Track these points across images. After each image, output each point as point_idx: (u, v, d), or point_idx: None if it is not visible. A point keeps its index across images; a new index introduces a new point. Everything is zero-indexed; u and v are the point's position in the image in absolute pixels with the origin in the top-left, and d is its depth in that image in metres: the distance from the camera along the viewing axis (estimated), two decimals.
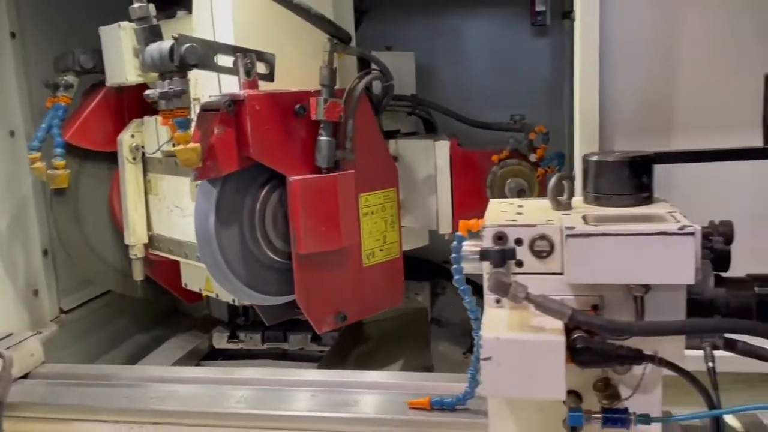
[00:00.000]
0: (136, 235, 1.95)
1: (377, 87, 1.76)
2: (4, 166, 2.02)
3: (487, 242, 0.94)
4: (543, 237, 0.93)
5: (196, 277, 1.94)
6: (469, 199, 1.93)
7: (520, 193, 1.83)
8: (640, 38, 1.46)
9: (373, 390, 1.41)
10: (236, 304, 1.87)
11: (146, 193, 1.95)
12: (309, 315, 1.63)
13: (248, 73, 1.50)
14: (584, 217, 0.93)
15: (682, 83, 1.46)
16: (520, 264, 0.94)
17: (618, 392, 0.93)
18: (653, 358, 0.87)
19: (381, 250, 1.76)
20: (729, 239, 0.94)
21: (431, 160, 1.95)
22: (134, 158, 1.92)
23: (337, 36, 1.60)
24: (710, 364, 0.91)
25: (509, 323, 0.90)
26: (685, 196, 1.39)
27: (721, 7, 1.43)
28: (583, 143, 1.46)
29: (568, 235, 0.87)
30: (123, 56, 1.79)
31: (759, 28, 1.42)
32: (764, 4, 1.41)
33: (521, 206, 1.07)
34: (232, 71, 1.50)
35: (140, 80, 1.83)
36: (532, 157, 1.89)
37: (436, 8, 2.56)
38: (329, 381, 1.50)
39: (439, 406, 1.22)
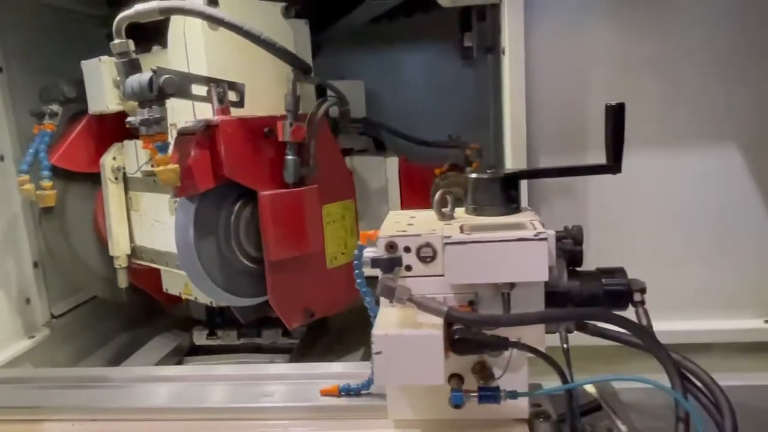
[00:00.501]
0: (119, 247, 1.82)
1: (335, 111, 1.70)
2: None
3: (380, 250, 0.96)
4: (427, 245, 0.94)
5: (175, 282, 1.84)
6: (416, 207, 1.88)
7: (458, 202, 1.79)
8: (559, 69, 1.46)
9: (293, 380, 1.30)
10: (214, 305, 1.77)
11: (128, 209, 1.83)
12: (280, 313, 1.56)
13: (221, 100, 1.41)
14: (461, 227, 0.96)
15: (594, 107, 1.46)
16: (409, 268, 0.96)
17: (492, 373, 0.97)
18: (517, 344, 0.91)
19: (342, 253, 1.70)
20: (579, 241, 1.00)
21: (382, 173, 1.90)
22: (116, 178, 1.80)
23: (299, 67, 1.53)
24: (565, 345, 0.95)
25: (398, 321, 0.93)
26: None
27: (617, 41, 1.44)
28: (514, 159, 1.44)
29: (446, 243, 0.91)
30: (104, 87, 1.67)
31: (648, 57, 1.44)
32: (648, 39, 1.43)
33: (413, 217, 1.09)
34: (206, 99, 1.41)
35: (120, 108, 1.71)
36: (468, 170, 1.86)
37: (380, 42, 2.52)
38: (246, 375, 1.36)
39: (347, 391, 1.17)
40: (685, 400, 0.87)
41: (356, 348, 1.85)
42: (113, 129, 1.83)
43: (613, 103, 1.03)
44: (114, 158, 1.79)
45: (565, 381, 0.92)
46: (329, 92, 1.70)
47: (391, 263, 0.93)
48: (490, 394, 0.94)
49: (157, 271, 1.86)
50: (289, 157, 1.50)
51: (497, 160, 1.95)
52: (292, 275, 1.56)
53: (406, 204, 1.89)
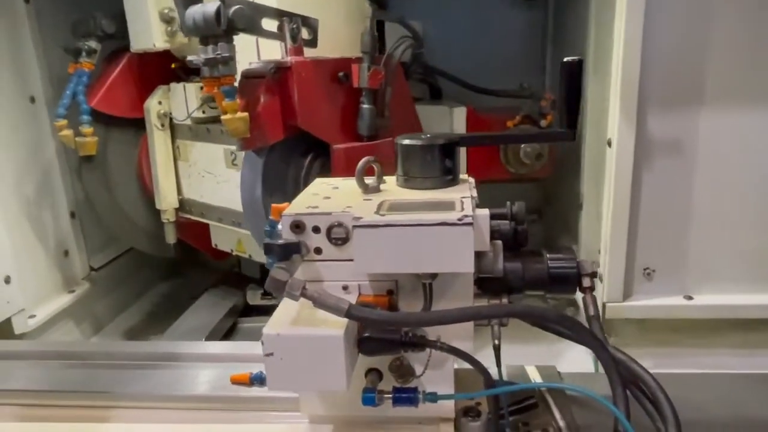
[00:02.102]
0: (167, 201, 1.62)
1: (407, 54, 1.47)
2: (28, 132, 1.64)
3: (285, 230, 0.78)
4: (339, 225, 0.77)
5: (227, 238, 1.65)
6: (483, 163, 1.68)
7: (538, 157, 1.59)
8: (675, 12, 1.22)
9: (217, 363, 1.06)
10: None
11: (175, 159, 1.62)
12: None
13: (294, 38, 1.18)
14: (380, 204, 0.78)
15: (714, 58, 1.22)
16: (319, 251, 0.78)
17: (412, 370, 0.81)
18: (435, 344, 0.76)
19: None
20: (520, 220, 0.86)
21: (447, 125, 1.68)
22: (162, 125, 1.58)
23: (377, 2, 1.29)
24: (496, 341, 0.80)
25: (297, 316, 0.75)
26: None
27: None
28: (624, 117, 1.23)
29: (355, 226, 0.73)
30: (150, 21, 1.43)
31: None
32: None
33: (336, 188, 0.90)
34: (277, 36, 1.18)
35: (166, 46, 1.48)
36: (543, 123, 1.65)
37: None
38: (166, 353, 1.11)
39: (259, 380, 0.96)
40: (625, 416, 0.72)
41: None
42: (157, 70, 1.60)
43: (571, 58, 0.84)
44: (159, 103, 1.57)
45: (491, 382, 0.78)
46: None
47: (285, 250, 0.75)
48: (405, 396, 0.79)
49: (204, 225, 1.67)
50: (365, 106, 1.28)
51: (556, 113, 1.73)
52: None
53: (472, 161, 1.67)
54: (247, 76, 1.21)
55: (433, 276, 0.76)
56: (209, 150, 1.50)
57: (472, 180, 0.89)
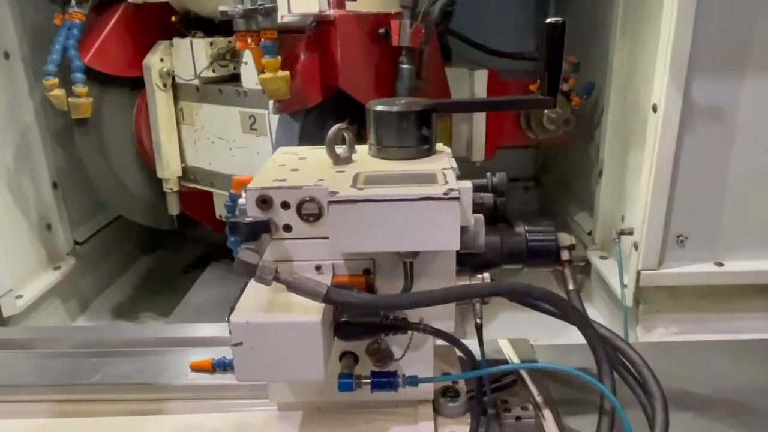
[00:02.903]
0: (170, 169, 1.48)
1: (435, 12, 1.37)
2: (3, 93, 1.46)
3: (250, 206, 0.70)
4: (311, 200, 0.70)
5: None
6: (503, 128, 1.62)
7: (567, 122, 1.54)
8: None
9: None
10: None
11: (177, 123, 1.48)
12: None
13: None
14: (356, 177, 0.72)
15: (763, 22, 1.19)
16: (288, 228, 0.70)
17: (390, 353, 0.76)
18: (418, 326, 0.72)
19: None
20: (501, 191, 0.82)
21: (467, 89, 1.60)
22: (164, 85, 1.42)
23: None
24: (478, 320, 0.75)
25: (269, 301, 0.68)
26: None
27: None
28: (672, 82, 1.19)
29: (330, 202, 0.65)
30: None
31: None
32: None
33: (303, 159, 0.82)
34: None
35: None
36: (564, 87, 1.59)
37: None
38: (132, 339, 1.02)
39: (222, 367, 0.88)
40: (612, 393, 0.70)
41: None
42: (156, 23, 1.44)
43: (553, 19, 0.77)
44: (161, 60, 1.41)
45: (474, 362, 0.75)
46: None
47: (253, 229, 0.68)
48: (385, 381, 0.74)
49: (207, 194, 1.54)
50: (405, 66, 1.18)
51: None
52: None
53: (491, 125, 1.62)
54: (282, 30, 1.09)
55: (415, 254, 0.70)
56: (221, 113, 1.37)
57: (448, 150, 0.84)
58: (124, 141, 1.51)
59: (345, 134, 0.78)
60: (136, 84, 1.45)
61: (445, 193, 0.64)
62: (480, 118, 1.62)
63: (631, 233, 1.37)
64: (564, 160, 2.08)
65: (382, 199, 0.64)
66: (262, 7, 0.96)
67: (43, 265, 1.63)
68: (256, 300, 0.67)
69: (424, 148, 0.79)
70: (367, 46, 1.13)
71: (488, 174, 0.81)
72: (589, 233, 1.74)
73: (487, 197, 0.79)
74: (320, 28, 1.06)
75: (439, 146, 0.83)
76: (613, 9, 1.51)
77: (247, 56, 1.19)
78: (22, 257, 1.53)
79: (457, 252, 0.72)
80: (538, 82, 1.56)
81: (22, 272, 1.52)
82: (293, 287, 0.64)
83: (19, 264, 1.51)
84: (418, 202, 0.64)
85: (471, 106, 0.98)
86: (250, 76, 1.23)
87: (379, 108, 0.79)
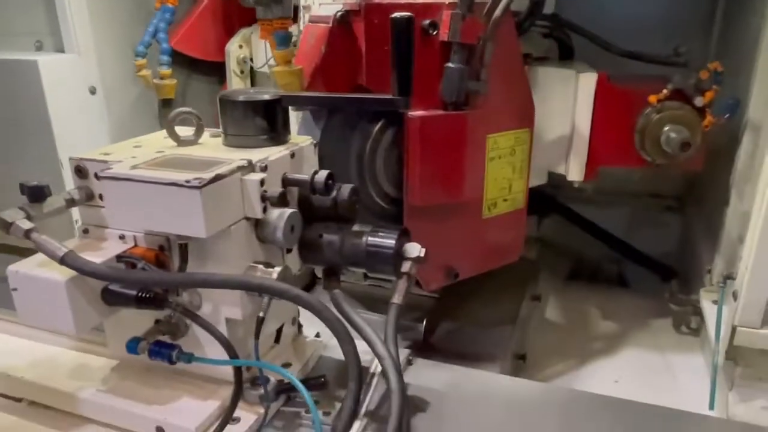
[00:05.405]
0: None
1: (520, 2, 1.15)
2: None
3: (71, 174, 0.84)
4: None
5: None
6: (611, 144, 1.33)
7: (684, 147, 1.21)
8: None
9: None
10: None
11: None
12: (417, 271, 1.15)
13: None
14: (155, 159, 0.79)
15: None
16: (102, 198, 0.80)
17: (178, 328, 0.85)
18: (171, 305, 0.78)
19: (505, 200, 1.21)
20: (319, 191, 0.83)
21: (570, 94, 1.33)
22: (242, 71, 1.43)
23: None
24: (261, 314, 0.80)
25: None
26: None
27: None
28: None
29: (101, 176, 0.75)
30: None
31: None
32: None
33: (165, 138, 0.89)
34: None
35: None
36: (698, 101, 1.24)
37: None
38: None
39: None
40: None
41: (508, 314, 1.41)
42: (243, 10, 1.43)
43: (400, 15, 0.79)
44: (240, 47, 1.41)
45: (233, 355, 0.79)
46: None
47: (34, 192, 0.77)
48: (160, 351, 0.82)
49: None
50: (454, 65, 1.00)
51: (728, 85, 1.31)
52: (436, 225, 1.12)
53: (597, 139, 1.33)
54: (314, 21, 0.99)
55: (187, 237, 0.75)
56: None
57: (307, 141, 0.88)
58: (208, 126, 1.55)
59: (192, 117, 0.85)
60: (224, 69, 1.48)
61: (187, 181, 0.69)
62: (582, 129, 1.34)
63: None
64: (705, 183, 1.67)
65: (137, 179, 0.72)
66: None
67: None
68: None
69: (262, 138, 0.84)
70: None
71: (312, 171, 0.82)
72: (709, 271, 1.38)
73: (324, 200, 0.83)
74: (348, 18, 0.93)
75: (302, 138, 0.88)
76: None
77: None
78: None
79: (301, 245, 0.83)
80: (664, 91, 1.26)
81: None
82: (40, 247, 0.74)
83: None
84: (164, 186, 0.70)
85: (316, 101, 0.94)
86: None
87: (222, 96, 0.86)
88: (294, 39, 1.28)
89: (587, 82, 1.31)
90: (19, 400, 0.94)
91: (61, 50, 1.44)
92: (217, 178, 0.72)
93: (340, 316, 0.81)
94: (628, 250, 1.89)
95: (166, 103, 1.47)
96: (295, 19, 1.17)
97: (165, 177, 0.71)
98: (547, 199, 1.93)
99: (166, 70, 1.40)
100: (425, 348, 1.30)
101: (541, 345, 1.55)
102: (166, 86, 1.42)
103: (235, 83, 1.43)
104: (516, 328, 1.43)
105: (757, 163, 1.13)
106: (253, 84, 1.44)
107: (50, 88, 1.37)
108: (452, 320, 1.40)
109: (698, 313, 1.43)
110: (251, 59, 1.40)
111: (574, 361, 1.48)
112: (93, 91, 1.46)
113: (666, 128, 1.24)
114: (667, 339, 1.59)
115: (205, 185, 0.70)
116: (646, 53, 1.41)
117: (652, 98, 1.25)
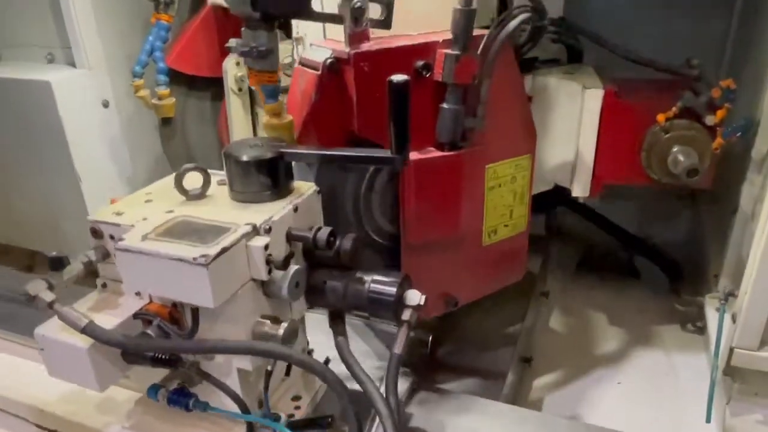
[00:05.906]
0: None
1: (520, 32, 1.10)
2: None
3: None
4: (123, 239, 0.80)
5: None
6: (617, 161, 1.29)
7: (690, 174, 1.17)
8: None
9: None
10: None
11: (254, 127, 1.45)
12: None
13: (357, 20, 0.89)
14: (163, 224, 0.82)
15: None
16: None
17: (191, 378, 0.89)
18: (185, 365, 0.84)
19: (506, 226, 1.20)
20: (320, 246, 0.84)
21: (576, 108, 1.29)
22: (240, 89, 1.40)
23: None
24: (269, 367, 0.87)
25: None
26: None
27: None
28: None
29: (117, 249, 0.78)
30: None
31: None
32: None
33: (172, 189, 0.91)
34: (335, 20, 0.90)
35: None
36: (709, 120, 1.19)
37: None
38: None
39: None
40: None
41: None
42: (238, 24, 1.40)
43: (398, 78, 0.77)
44: (237, 64, 1.38)
45: (244, 408, 0.85)
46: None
47: (54, 263, 0.82)
48: (177, 398, 0.87)
49: None
50: (448, 106, 0.97)
51: (746, 105, 1.25)
52: (433, 257, 1.11)
53: (602, 158, 1.29)
54: (304, 64, 0.96)
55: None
56: None
57: (311, 190, 0.90)
58: (210, 142, 1.54)
59: (198, 172, 0.88)
60: (221, 85, 1.45)
61: (194, 258, 0.72)
62: (588, 144, 1.31)
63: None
64: (726, 180, 1.63)
65: (148, 253, 0.75)
66: (255, 49, 0.84)
67: None
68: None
69: (266, 194, 0.86)
70: None
71: (313, 228, 0.84)
72: (715, 276, 1.38)
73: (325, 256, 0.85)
74: (337, 66, 0.90)
75: (305, 185, 0.90)
76: None
77: None
78: None
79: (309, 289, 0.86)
80: (673, 109, 1.21)
81: None
82: (62, 317, 0.79)
83: None
84: (173, 261, 0.74)
85: (314, 158, 0.93)
86: None
87: (225, 151, 0.88)
88: (289, 61, 1.25)
89: (593, 98, 1.26)
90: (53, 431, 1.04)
91: (72, 63, 1.43)
92: (223, 251, 0.74)
93: (344, 363, 0.86)
94: (638, 243, 1.86)
95: (166, 122, 1.46)
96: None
97: (173, 252, 0.74)
98: (555, 193, 1.89)
99: (164, 90, 1.39)
100: (431, 363, 1.32)
101: (547, 347, 1.56)
102: (165, 106, 1.41)
103: (234, 101, 1.40)
104: (522, 334, 1.44)
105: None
106: (252, 100, 1.41)
107: (64, 106, 1.39)
108: (458, 332, 1.41)
109: (703, 314, 1.43)
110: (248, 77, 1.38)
111: (579, 362, 1.49)
112: (106, 105, 1.47)
113: (674, 149, 1.20)
114: (672, 337, 1.59)
115: (211, 262, 0.72)
116: (658, 61, 1.34)
117: (661, 117, 1.21)
